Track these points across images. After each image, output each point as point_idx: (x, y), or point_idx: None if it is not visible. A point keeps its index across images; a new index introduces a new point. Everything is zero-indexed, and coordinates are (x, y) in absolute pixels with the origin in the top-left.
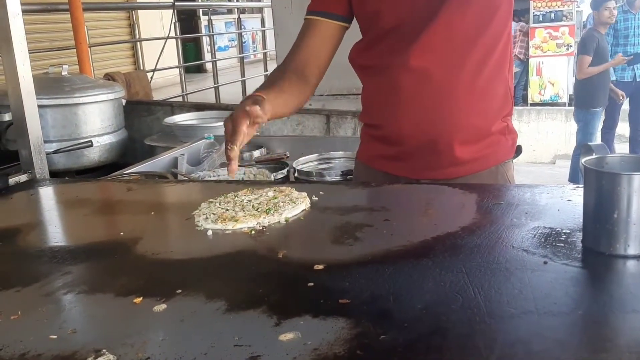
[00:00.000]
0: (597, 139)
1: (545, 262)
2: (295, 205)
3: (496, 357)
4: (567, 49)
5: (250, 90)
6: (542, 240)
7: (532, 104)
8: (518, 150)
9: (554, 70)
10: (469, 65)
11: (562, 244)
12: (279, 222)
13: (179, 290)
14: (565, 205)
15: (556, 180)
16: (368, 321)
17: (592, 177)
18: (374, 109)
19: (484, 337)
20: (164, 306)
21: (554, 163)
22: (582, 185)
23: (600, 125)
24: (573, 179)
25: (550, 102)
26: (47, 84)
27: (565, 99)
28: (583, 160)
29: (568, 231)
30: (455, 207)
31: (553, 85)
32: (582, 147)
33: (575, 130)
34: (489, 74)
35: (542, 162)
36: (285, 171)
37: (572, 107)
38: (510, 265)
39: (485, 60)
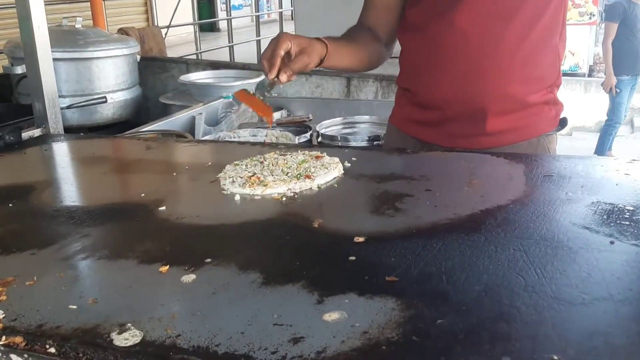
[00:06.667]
0: (627, 109)
1: (612, 242)
2: (327, 171)
3: (574, 351)
4: (590, 18)
5: None
6: (605, 217)
7: None
8: (562, 122)
9: (575, 39)
10: (514, 29)
11: (628, 222)
12: (310, 188)
13: (209, 259)
14: (624, 179)
15: (575, 153)
16: (421, 302)
17: None
18: (412, 70)
19: (556, 326)
20: (193, 276)
21: (571, 135)
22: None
23: (629, 95)
24: (599, 151)
25: (569, 72)
26: (60, 37)
27: (585, 70)
28: None
29: (631, 208)
30: (502, 178)
31: (573, 55)
32: None
33: (594, 103)
34: (536, 41)
35: (559, 134)
36: (308, 134)
37: (592, 79)
38: (574, 245)
39: (532, 25)
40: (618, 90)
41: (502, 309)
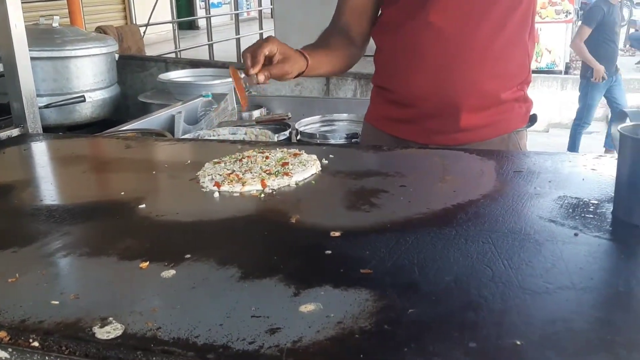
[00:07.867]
0: (598, 111)
1: (575, 234)
2: (305, 168)
3: (537, 336)
4: (566, 16)
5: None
6: (570, 210)
7: None
8: (532, 119)
9: (551, 37)
10: (486, 26)
11: (592, 215)
12: (289, 185)
13: (188, 255)
14: (590, 174)
15: (551, 149)
16: (394, 293)
17: (628, 144)
18: (388, 69)
19: (521, 314)
20: (172, 272)
21: (547, 131)
22: (605, 154)
23: (600, 97)
24: (571, 149)
25: (546, 69)
26: (37, 36)
27: (561, 67)
28: (619, 127)
29: (596, 202)
30: (474, 174)
31: (550, 52)
32: (617, 114)
33: (570, 100)
34: (507, 38)
35: (536, 130)
36: (287, 132)
37: (568, 76)
38: (540, 237)
39: (504, 23)
40: (607, 77)
41: (470, 298)
